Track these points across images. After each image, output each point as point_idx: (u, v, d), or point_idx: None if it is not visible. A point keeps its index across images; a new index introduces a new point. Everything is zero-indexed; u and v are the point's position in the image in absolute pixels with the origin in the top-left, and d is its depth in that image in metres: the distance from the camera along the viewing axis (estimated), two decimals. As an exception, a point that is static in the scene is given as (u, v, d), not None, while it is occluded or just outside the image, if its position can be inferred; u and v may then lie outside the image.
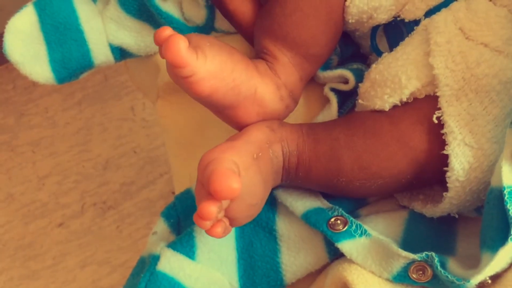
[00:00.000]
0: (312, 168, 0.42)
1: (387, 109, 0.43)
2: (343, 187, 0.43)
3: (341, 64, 0.49)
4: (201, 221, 0.35)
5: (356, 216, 0.45)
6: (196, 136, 0.55)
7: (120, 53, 0.54)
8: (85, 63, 0.54)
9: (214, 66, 0.39)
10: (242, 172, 0.38)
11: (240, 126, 0.43)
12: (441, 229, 0.43)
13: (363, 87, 0.45)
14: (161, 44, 0.37)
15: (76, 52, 0.53)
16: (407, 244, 0.42)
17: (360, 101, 0.45)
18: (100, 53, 0.54)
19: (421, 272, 0.38)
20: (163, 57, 0.37)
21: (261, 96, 0.42)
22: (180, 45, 0.36)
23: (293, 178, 0.44)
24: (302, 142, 0.43)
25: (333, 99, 0.47)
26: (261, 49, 0.45)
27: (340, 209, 0.43)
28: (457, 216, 0.42)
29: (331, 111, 0.46)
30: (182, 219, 0.50)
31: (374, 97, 0.43)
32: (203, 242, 0.45)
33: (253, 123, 0.43)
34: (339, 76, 0.47)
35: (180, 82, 0.39)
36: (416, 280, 0.38)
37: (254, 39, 0.47)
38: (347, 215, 0.42)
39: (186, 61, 0.37)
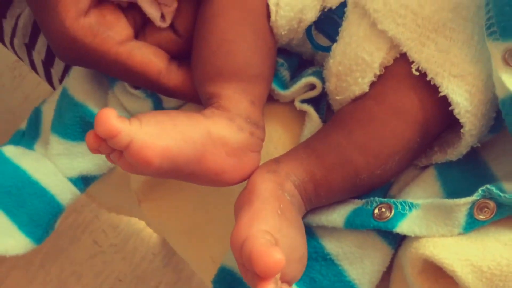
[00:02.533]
0: (330, 183, 0.41)
1: (368, 90, 0.42)
2: (366, 182, 0.41)
3: (293, 77, 0.48)
4: None
5: (391, 198, 0.43)
6: (197, 217, 0.51)
7: (83, 182, 0.51)
8: (55, 210, 0.49)
9: (152, 127, 0.36)
10: (278, 237, 0.35)
11: (221, 179, 0.40)
12: (471, 166, 0.42)
13: (331, 85, 0.44)
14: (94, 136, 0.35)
15: (41, 205, 0.49)
16: (452, 195, 0.41)
17: (336, 97, 0.44)
18: (65, 193, 0.50)
19: (486, 209, 0.37)
20: (97, 142, 0.35)
21: (217, 134, 0.39)
22: (109, 114, 0.34)
23: (316, 202, 0.42)
24: (307, 164, 0.41)
25: (310, 109, 0.45)
26: (204, 97, 0.43)
27: (376, 198, 0.41)
28: (479, 145, 0.41)
29: (313, 121, 0.45)
30: None
31: (348, 87, 0.42)
32: None
33: (231, 167, 0.40)
34: (304, 86, 0.46)
35: (128, 161, 0.35)
36: (485, 220, 0.37)
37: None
38: (386, 199, 0.40)
39: (117, 127, 0.34)
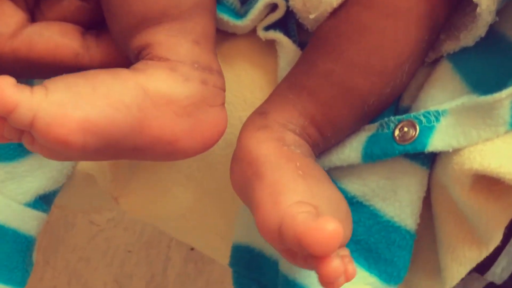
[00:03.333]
0: (334, 120, 0.33)
1: None
2: (376, 107, 0.33)
3: (243, 1, 0.38)
4: (333, 283, 0.26)
5: (406, 112, 0.35)
6: (188, 197, 0.43)
7: (43, 201, 0.42)
8: (25, 245, 0.41)
9: (62, 93, 0.27)
10: (315, 203, 0.28)
11: (177, 149, 0.31)
12: (491, 46, 0.34)
13: (297, 2, 0.34)
14: None
15: (6, 246, 0.40)
16: (478, 87, 0.33)
17: (310, 16, 0.34)
18: (28, 222, 0.41)
19: None
20: None
21: (156, 90, 0.30)
22: (1, 83, 0.26)
23: (324, 145, 0.34)
24: (301, 107, 0.33)
25: (279, 36, 0.36)
26: (133, 56, 0.33)
27: (392, 117, 0.33)
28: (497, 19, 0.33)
29: (287, 48, 0.36)
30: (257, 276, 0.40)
31: None
32: None
33: (185, 132, 0.31)
34: (264, 8, 0.36)
35: (42, 144, 0.27)
36: None
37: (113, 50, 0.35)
38: (405, 116, 0.33)
39: (13, 98, 0.26)
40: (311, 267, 0.27)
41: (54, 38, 0.33)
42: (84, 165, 0.42)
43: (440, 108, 0.32)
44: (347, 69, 0.32)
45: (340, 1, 0.32)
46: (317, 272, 0.26)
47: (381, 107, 0.34)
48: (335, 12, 0.33)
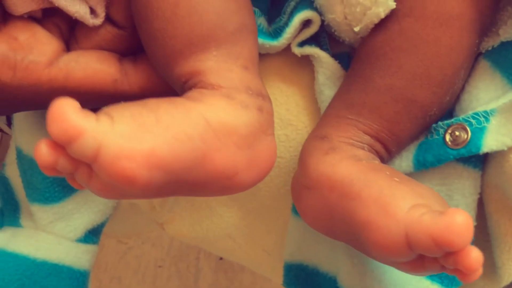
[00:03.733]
0: (399, 134, 0.33)
1: (395, 5, 0.32)
2: (438, 115, 0.33)
3: (270, 21, 0.38)
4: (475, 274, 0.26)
5: (449, 114, 0.35)
6: (232, 216, 0.43)
7: (93, 234, 0.42)
8: (80, 280, 0.42)
9: (128, 124, 0.25)
10: (426, 202, 0.28)
11: (235, 183, 0.29)
12: None
13: (337, 15, 0.34)
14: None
15: (63, 283, 0.41)
16: None
17: (354, 29, 0.34)
18: (81, 257, 0.41)
19: None
20: (53, 155, 0.24)
21: (218, 120, 0.28)
22: (65, 106, 0.23)
23: (387, 160, 0.34)
24: (363, 125, 0.32)
25: (316, 51, 0.35)
26: (180, 84, 0.31)
27: (440, 122, 0.33)
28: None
29: (325, 62, 0.35)
30: None
31: (365, 10, 0.32)
32: None
33: (245, 164, 0.29)
34: (299, 25, 0.35)
35: (102, 180, 0.24)
36: None
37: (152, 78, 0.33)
38: (454, 119, 0.33)
39: (79, 124, 0.23)
40: (448, 266, 0.26)
41: (92, 64, 0.32)
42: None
43: (488, 108, 0.32)
44: (408, 83, 0.31)
45: (388, 12, 0.32)
46: (459, 267, 0.25)
47: (441, 116, 0.34)
48: (383, 24, 0.32)
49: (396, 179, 0.29)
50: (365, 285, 0.35)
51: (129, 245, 1.09)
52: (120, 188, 0.25)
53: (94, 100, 0.33)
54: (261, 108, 0.31)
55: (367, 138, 0.32)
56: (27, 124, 0.39)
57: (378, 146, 0.33)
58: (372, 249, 0.28)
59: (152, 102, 0.27)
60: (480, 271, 0.26)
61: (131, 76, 0.33)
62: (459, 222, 0.24)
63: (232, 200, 0.42)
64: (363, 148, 0.32)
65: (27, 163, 0.39)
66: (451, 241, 0.25)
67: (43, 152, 0.24)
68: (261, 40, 0.36)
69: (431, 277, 0.35)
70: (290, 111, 0.37)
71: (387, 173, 0.29)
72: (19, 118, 0.39)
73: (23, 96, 0.31)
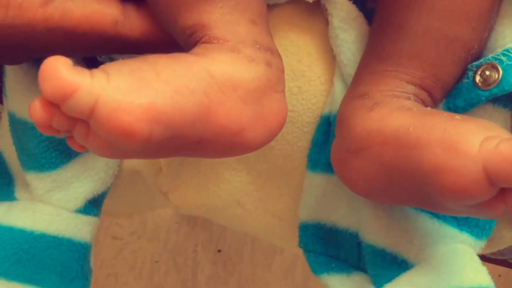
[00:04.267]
0: (444, 79, 0.31)
1: None
2: (478, 53, 0.32)
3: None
4: None
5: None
6: (241, 182, 0.41)
7: (93, 205, 0.39)
8: (82, 253, 0.39)
9: (126, 79, 0.24)
10: (495, 132, 0.26)
11: (241, 141, 0.28)
12: None
13: None
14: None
15: (63, 256, 0.38)
16: None
17: None
18: (81, 229, 0.39)
19: None
20: (48, 112, 0.23)
21: (222, 74, 0.27)
22: (57, 63, 0.22)
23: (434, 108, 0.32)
24: (405, 73, 0.30)
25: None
26: (183, 36, 0.29)
27: (468, 65, 0.31)
28: None
29: (342, 4, 0.33)
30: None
31: None
32: None
33: (251, 120, 0.28)
34: None
35: (100, 136, 0.24)
36: None
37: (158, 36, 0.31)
38: (482, 59, 0.31)
39: (73, 80, 0.22)
40: None
41: (90, 4, 0.29)
42: (132, 162, 0.40)
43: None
44: (445, 21, 0.29)
45: None
46: None
47: (480, 53, 0.32)
48: None
49: (457, 117, 0.27)
50: (391, 237, 0.33)
51: (125, 241, 1.06)
52: (119, 144, 0.24)
53: (93, 44, 0.30)
54: (269, 63, 0.29)
55: (411, 87, 0.30)
56: (19, 86, 0.36)
57: (424, 95, 0.30)
58: (447, 196, 0.26)
59: (152, 57, 0.26)
60: None
61: (133, 19, 0.30)
62: None
63: (241, 163, 0.39)
64: (409, 99, 0.30)
65: (21, 128, 0.36)
66: None
67: (37, 111, 0.23)
68: None
69: (460, 227, 0.33)
70: (302, 61, 0.35)
71: (444, 114, 0.27)
72: (11, 81, 0.36)
73: (16, 38, 0.29)
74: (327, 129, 0.36)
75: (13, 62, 0.33)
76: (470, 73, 0.31)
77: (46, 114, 0.23)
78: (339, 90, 0.35)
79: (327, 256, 0.36)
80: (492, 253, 0.38)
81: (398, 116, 0.28)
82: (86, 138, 0.24)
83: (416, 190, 0.28)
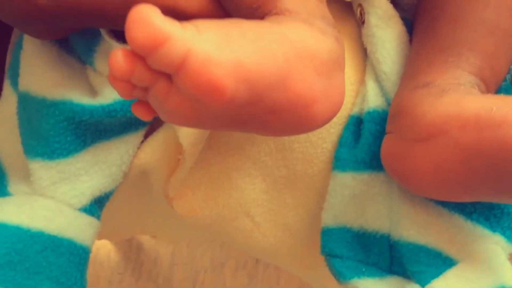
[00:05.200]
0: (501, 69, 0.32)
1: None
2: None
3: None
4: None
5: None
6: (254, 191, 0.38)
7: (98, 206, 0.35)
8: (82, 257, 0.35)
9: (215, 34, 0.23)
10: None
11: (310, 115, 0.27)
12: None
13: None
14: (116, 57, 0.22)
15: (61, 259, 0.33)
16: None
17: None
18: (84, 230, 0.35)
19: None
20: (131, 64, 0.22)
21: (300, 41, 0.26)
22: (150, 11, 0.21)
23: None
24: (466, 65, 0.30)
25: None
26: (251, 8, 0.28)
27: None
28: None
29: (382, 3, 0.34)
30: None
31: None
32: None
33: (322, 93, 0.27)
34: None
35: (184, 90, 0.22)
36: None
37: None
38: None
39: (166, 30, 0.21)
40: None
41: None
42: (142, 159, 0.36)
43: None
44: (500, 13, 0.31)
45: None
46: None
47: None
48: None
49: None
50: (433, 234, 0.32)
51: None
52: (202, 102, 0.23)
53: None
54: (337, 38, 0.29)
55: (473, 78, 0.30)
56: (38, 62, 0.33)
57: (483, 87, 0.31)
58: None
59: (235, 19, 0.26)
60: None
61: None
62: None
63: (258, 168, 0.37)
64: (473, 88, 0.30)
65: (35, 107, 0.32)
66: None
67: (119, 62, 0.22)
68: None
69: (493, 228, 0.32)
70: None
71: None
72: (29, 57, 0.33)
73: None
74: (356, 128, 0.35)
75: (50, 33, 0.30)
76: (508, 76, 0.32)
77: (129, 65, 0.22)
78: (371, 89, 0.34)
79: (357, 260, 0.35)
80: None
81: (474, 98, 0.28)
82: (166, 96, 0.23)
83: (501, 173, 0.27)
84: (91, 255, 0.82)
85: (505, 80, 0.32)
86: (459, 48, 0.31)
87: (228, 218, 0.39)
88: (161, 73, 0.22)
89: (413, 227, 0.32)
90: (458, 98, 0.28)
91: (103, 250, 0.98)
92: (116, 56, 0.22)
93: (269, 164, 0.37)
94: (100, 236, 0.48)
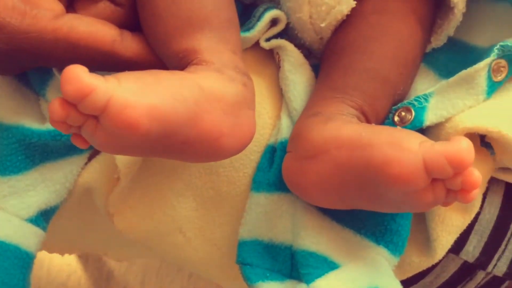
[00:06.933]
0: (378, 109, 0.37)
1: (355, 4, 0.38)
2: (402, 95, 0.39)
3: (243, 22, 0.42)
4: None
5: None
6: (186, 209, 0.43)
7: (43, 218, 0.40)
8: (26, 262, 0.39)
9: (133, 83, 0.29)
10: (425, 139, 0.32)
11: (220, 146, 0.32)
12: (451, 46, 0.41)
13: (304, 14, 0.39)
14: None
15: (8, 262, 0.38)
16: (449, 76, 0.39)
17: (321, 25, 0.39)
18: (29, 238, 0.39)
19: (501, 69, 0.36)
20: (65, 110, 0.28)
21: (210, 88, 0.32)
22: (78, 70, 0.27)
23: None
24: (350, 101, 0.36)
25: (283, 42, 0.40)
26: (176, 58, 0.35)
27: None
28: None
29: (291, 51, 0.40)
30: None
31: (330, 10, 0.38)
32: None
33: (229, 129, 0.33)
34: (268, 21, 0.40)
35: (107, 128, 0.28)
36: (501, 80, 0.37)
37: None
38: (399, 104, 0.38)
39: (91, 83, 0.27)
40: (454, 187, 0.30)
41: (94, 23, 0.34)
42: (87, 177, 0.41)
43: (427, 91, 0.38)
44: (382, 65, 0.37)
45: (349, 9, 0.38)
46: (465, 185, 0.29)
47: (404, 96, 0.39)
48: (353, 21, 0.39)
49: (398, 127, 0.34)
50: (323, 243, 0.37)
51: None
52: (123, 137, 0.29)
53: (92, 57, 0.35)
54: (245, 84, 0.35)
55: (354, 111, 0.36)
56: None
57: (363, 119, 0.37)
58: (392, 183, 0.31)
59: (153, 70, 0.32)
60: (478, 191, 0.30)
61: (128, 41, 0.36)
62: (466, 144, 0.29)
63: (189, 189, 0.42)
64: (353, 118, 0.36)
65: None
66: (462, 159, 0.29)
67: (56, 109, 0.28)
68: None
69: (378, 241, 0.38)
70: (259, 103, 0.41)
71: (387, 126, 0.34)
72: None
73: (29, 43, 0.33)
74: (271, 156, 0.41)
75: (8, 71, 0.36)
76: (391, 115, 0.38)
77: (64, 111, 0.28)
78: (284, 122, 0.40)
79: (264, 268, 0.39)
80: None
81: (351, 126, 0.34)
82: (94, 132, 0.29)
83: (366, 185, 0.33)
84: (61, 281, 0.86)
85: (388, 118, 0.38)
86: (345, 88, 0.37)
87: (163, 233, 0.44)
88: (90, 115, 0.28)
89: (307, 237, 0.37)
90: (338, 125, 0.34)
91: (74, 276, 1.00)
92: (54, 104, 0.28)
93: (199, 185, 0.42)
94: (52, 249, 0.52)
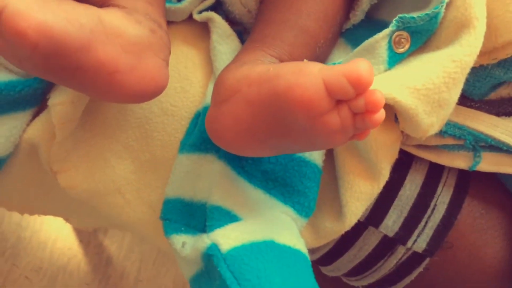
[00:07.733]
0: (297, 58, 0.38)
1: None
2: (325, 49, 0.40)
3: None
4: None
5: None
6: (124, 170, 0.46)
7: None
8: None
9: None
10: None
11: (115, 81, 0.32)
12: (371, 24, 0.42)
13: None
14: None
15: None
16: None
17: None
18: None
19: (402, 40, 0.37)
20: None
21: (110, 22, 0.32)
22: None
23: None
24: (268, 49, 0.38)
25: (212, 15, 0.42)
26: (96, 3, 0.34)
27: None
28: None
29: (219, 23, 0.42)
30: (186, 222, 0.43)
31: None
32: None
33: (127, 66, 0.32)
34: None
35: (2, 32, 0.28)
36: (403, 52, 0.38)
37: None
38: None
39: None
40: (358, 110, 0.30)
41: None
42: (31, 134, 0.44)
43: (337, 61, 0.39)
44: (300, 16, 0.38)
45: None
46: (368, 106, 0.30)
47: (327, 51, 0.40)
48: None
49: (305, 60, 0.34)
50: (229, 199, 0.39)
51: None
52: (14, 46, 0.29)
53: None
54: (153, 30, 0.35)
55: (272, 59, 0.38)
56: None
57: None
58: (298, 109, 0.31)
59: None
60: (383, 114, 0.30)
61: None
62: (364, 63, 0.30)
63: (127, 151, 0.45)
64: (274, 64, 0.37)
65: None
66: (360, 76, 0.29)
67: None
68: (168, 5, 0.43)
69: (285, 200, 0.39)
70: (188, 68, 0.43)
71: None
72: None
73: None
74: (196, 121, 0.43)
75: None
76: None
77: None
78: (210, 90, 0.42)
79: (180, 224, 0.42)
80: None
81: (262, 65, 0.35)
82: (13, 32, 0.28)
83: (275, 118, 0.33)
84: (62, 264, 0.90)
85: None
86: (264, 38, 0.38)
87: (103, 193, 0.46)
88: None
89: (217, 193, 0.39)
90: (250, 66, 0.35)
91: (74, 260, 1.04)
92: None
93: (136, 148, 0.44)
94: (11, 207, 0.55)
